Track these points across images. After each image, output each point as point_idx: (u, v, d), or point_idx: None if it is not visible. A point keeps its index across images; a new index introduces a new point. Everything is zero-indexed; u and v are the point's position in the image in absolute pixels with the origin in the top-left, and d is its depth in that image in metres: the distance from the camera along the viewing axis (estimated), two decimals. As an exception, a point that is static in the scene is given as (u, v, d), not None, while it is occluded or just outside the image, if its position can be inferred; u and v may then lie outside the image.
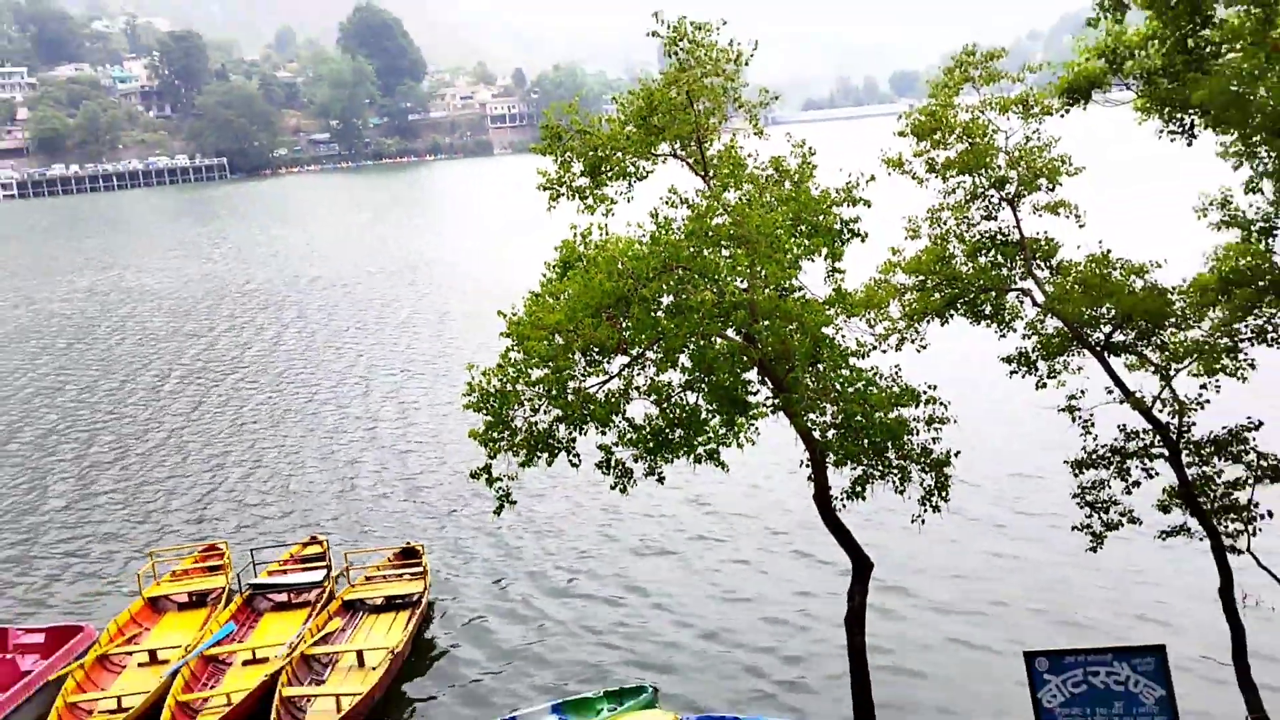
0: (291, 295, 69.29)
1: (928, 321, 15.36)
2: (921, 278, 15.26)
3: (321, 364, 48.66)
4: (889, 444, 13.76)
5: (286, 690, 18.36)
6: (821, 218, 14.32)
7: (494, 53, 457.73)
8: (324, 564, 23.79)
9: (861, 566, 15.35)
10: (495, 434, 14.19)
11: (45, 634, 21.05)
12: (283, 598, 22.85)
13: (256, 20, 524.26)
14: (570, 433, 14.35)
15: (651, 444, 14.35)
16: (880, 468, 14.10)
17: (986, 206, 15.48)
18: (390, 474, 32.39)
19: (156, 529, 29.07)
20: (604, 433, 14.45)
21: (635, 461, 14.70)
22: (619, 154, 14.29)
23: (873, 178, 14.68)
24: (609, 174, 14.50)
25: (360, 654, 19.89)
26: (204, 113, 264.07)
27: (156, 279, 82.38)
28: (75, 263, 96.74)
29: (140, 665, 20.30)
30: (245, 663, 20.11)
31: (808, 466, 14.98)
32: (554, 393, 13.90)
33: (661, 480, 14.74)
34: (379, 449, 35.02)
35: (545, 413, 14.29)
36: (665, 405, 14.47)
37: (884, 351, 14.84)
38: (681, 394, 14.44)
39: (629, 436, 14.52)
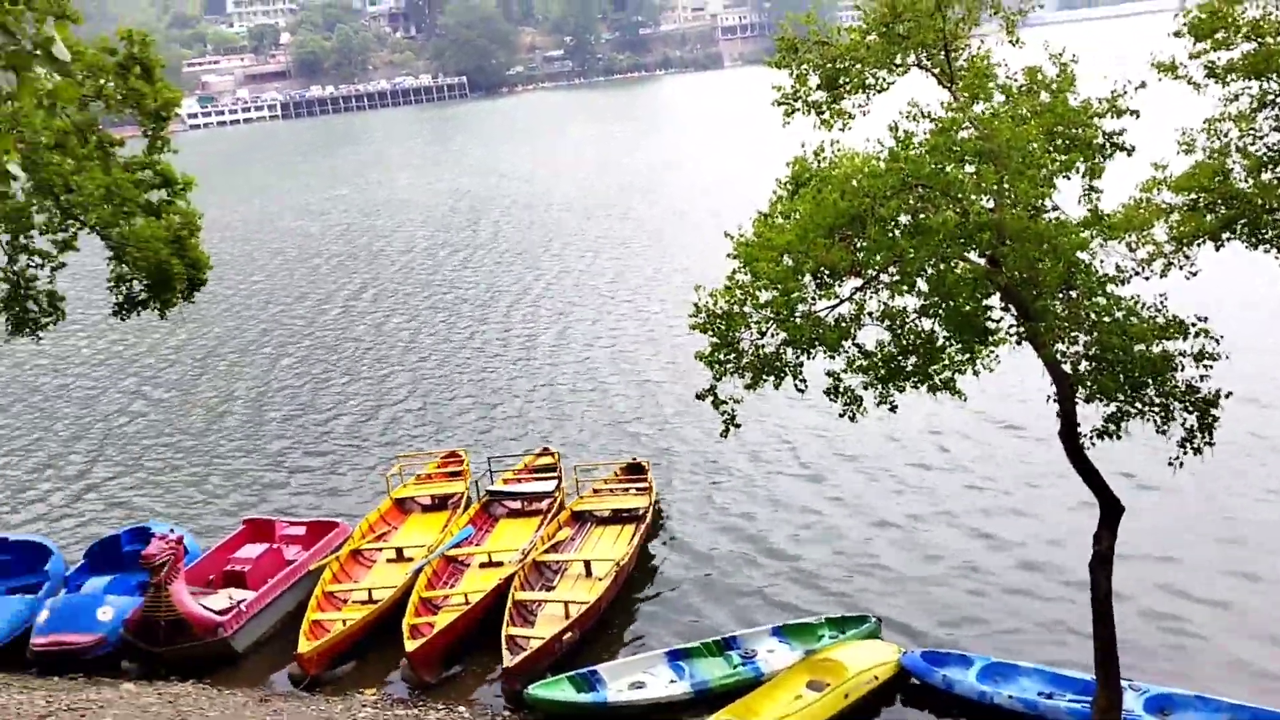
0: (521, 212, 71.35)
1: (1199, 245, 13.84)
2: (1193, 196, 13.73)
3: (552, 281, 49.99)
4: (1150, 380, 12.59)
5: (519, 594, 19.21)
6: (1080, 130, 13.06)
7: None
8: (555, 475, 24.61)
9: (1110, 510, 14.29)
10: (721, 356, 13.98)
11: (306, 528, 22.91)
12: (516, 505, 23.84)
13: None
14: (798, 357, 13.96)
15: (883, 371, 13.76)
16: (1138, 405, 12.95)
17: (1277, 116, 13.68)
18: (618, 391, 33.05)
19: (403, 436, 30.94)
20: (833, 358, 13.99)
21: (865, 389, 14.16)
22: (858, 65, 13.51)
23: (1143, 84, 13.25)
24: (847, 87, 13.75)
25: (588, 564, 20.52)
26: (446, 33, 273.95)
27: (401, 193, 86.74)
28: (329, 179, 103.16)
29: (388, 561, 21.77)
30: (482, 565, 21.16)
31: (1055, 401, 13.98)
32: (782, 316, 13.50)
33: (894, 409, 14.11)
34: (607, 367, 35.74)
35: (772, 336, 13.94)
36: (899, 331, 13.82)
37: (1146, 278, 13.53)
38: (917, 320, 13.71)
39: (859, 363, 13.99)
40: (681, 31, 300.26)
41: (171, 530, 19.36)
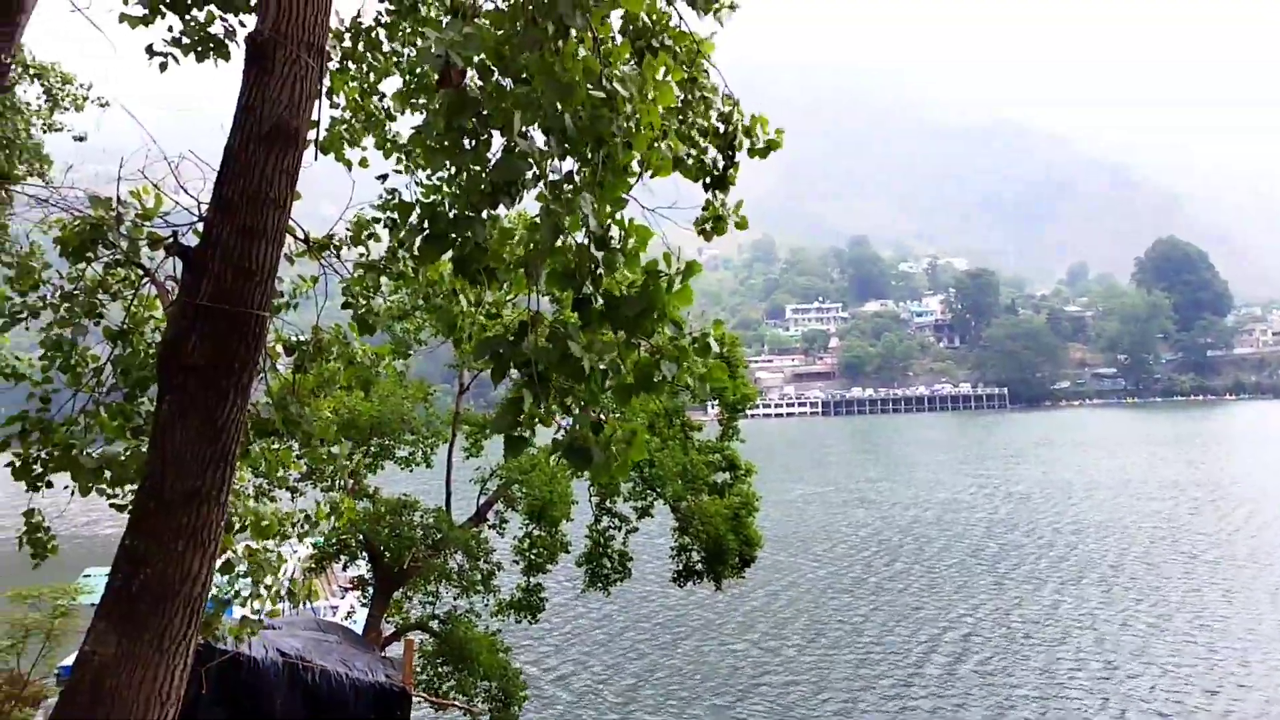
0: (1070, 533, 65.98)
1: None
2: None
3: (1096, 615, 44.66)
4: None
5: None
6: None
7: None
8: None
9: None
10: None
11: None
12: None
13: (1050, 259, 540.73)
14: None
15: None
16: None
17: None
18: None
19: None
20: None
21: None
22: None
23: None
24: None
25: None
26: (990, 344, 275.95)
27: (939, 491, 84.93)
28: (867, 472, 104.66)
29: None
30: None
31: None
32: None
33: None
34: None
35: None
36: None
37: None
38: None
39: None
40: (1260, 355, 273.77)
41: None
